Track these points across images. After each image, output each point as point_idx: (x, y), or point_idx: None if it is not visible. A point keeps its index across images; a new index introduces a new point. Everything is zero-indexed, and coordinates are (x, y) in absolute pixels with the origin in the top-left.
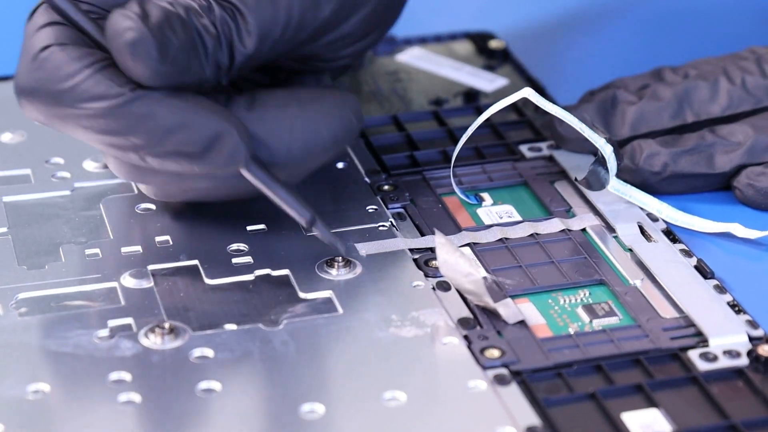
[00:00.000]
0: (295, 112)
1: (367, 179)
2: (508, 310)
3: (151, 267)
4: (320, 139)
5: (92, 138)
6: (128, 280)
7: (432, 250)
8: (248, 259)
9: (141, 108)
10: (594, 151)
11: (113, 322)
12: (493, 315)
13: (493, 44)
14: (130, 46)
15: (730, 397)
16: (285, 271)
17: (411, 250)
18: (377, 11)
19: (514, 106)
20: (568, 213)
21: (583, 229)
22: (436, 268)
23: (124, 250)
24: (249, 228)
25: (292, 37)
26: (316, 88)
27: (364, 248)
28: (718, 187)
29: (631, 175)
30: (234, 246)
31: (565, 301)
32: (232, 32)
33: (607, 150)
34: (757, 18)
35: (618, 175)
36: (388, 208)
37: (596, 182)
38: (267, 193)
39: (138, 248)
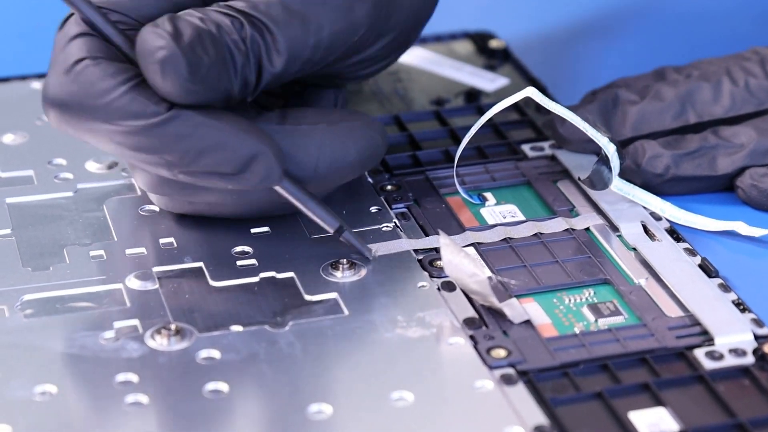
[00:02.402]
0: (325, 129)
1: (369, 179)
2: (514, 310)
3: (155, 269)
4: (348, 158)
5: (124, 153)
6: (133, 282)
7: (436, 250)
8: (253, 261)
9: (177, 128)
10: (596, 151)
11: (119, 324)
12: (498, 315)
13: (494, 44)
14: (160, 65)
15: (736, 396)
16: (290, 274)
17: (415, 250)
18: (403, 34)
19: (515, 106)
20: (572, 212)
21: (587, 229)
22: (441, 269)
23: (128, 251)
24: (253, 230)
25: (321, 59)
26: (345, 110)
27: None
28: (720, 188)
29: (633, 176)
30: (238, 248)
31: (570, 300)
32: (261, 50)
33: (610, 149)
34: (759, 20)
35: (620, 176)
36: (391, 209)
37: (599, 181)
38: (298, 206)
39: (142, 250)
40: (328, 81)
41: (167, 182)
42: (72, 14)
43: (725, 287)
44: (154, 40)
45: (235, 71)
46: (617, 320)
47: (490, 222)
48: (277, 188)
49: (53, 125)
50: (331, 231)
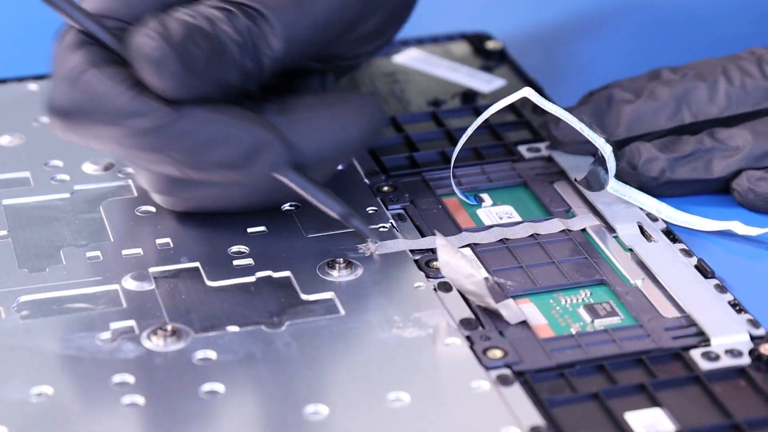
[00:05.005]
0: (325, 113)
1: (366, 180)
2: (510, 310)
3: (152, 269)
4: (350, 138)
5: (132, 155)
6: (129, 283)
7: (433, 250)
8: (249, 261)
9: (184, 125)
10: (592, 152)
11: (115, 325)
12: (495, 316)
13: (490, 45)
14: (153, 66)
15: (732, 396)
16: (286, 273)
17: (412, 251)
18: (397, 7)
19: (512, 107)
20: (568, 213)
21: (583, 230)
22: (438, 269)
23: (124, 252)
24: (249, 230)
25: (321, 38)
26: (340, 90)
27: (366, 249)
28: (715, 191)
29: (629, 178)
30: (235, 248)
31: (566, 301)
32: (257, 38)
33: (606, 150)
34: (757, 21)
35: (616, 178)
36: (388, 209)
37: (596, 183)
38: (303, 195)
39: (139, 251)
40: (330, 62)
41: (173, 181)
42: (69, 25)
43: (721, 288)
44: (145, 41)
45: (232, 62)
46: (613, 321)
47: (487, 223)
48: (282, 178)
49: (60, 135)
50: (339, 217)
